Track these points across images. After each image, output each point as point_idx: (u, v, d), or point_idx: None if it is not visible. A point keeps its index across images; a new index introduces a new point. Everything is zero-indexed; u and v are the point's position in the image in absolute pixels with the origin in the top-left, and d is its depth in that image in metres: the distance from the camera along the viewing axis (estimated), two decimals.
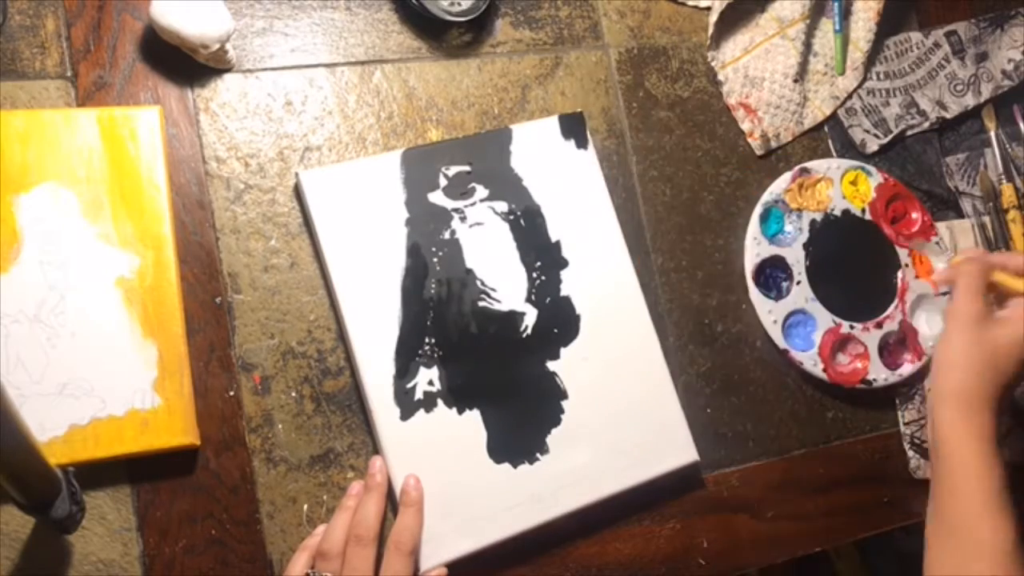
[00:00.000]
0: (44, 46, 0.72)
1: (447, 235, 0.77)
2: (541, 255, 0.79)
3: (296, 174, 0.75)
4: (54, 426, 0.64)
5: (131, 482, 0.67)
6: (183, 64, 0.75)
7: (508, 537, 0.73)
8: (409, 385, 0.73)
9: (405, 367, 0.73)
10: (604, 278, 0.81)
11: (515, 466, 0.74)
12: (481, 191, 0.79)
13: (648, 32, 0.92)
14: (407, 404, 0.72)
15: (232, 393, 0.71)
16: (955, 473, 0.67)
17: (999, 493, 0.66)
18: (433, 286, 0.75)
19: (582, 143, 0.83)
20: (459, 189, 0.78)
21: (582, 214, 0.82)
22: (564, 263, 0.80)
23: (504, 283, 0.78)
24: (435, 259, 0.76)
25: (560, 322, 0.79)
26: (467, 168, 0.79)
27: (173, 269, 0.69)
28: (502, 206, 0.79)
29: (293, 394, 0.73)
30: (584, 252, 0.81)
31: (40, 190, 0.67)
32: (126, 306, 0.67)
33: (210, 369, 0.71)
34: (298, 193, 0.75)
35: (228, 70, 0.77)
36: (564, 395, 0.77)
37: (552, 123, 0.83)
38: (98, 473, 0.66)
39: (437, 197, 0.77)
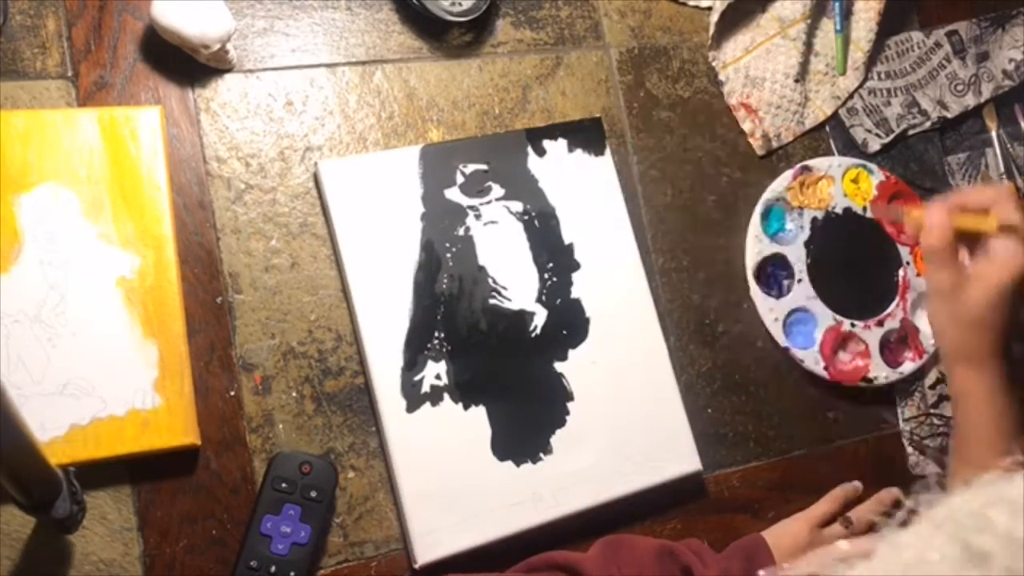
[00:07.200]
0: (45, 46, 0.72)
1: (461, 232, 0.77)
2: (553, 256, 0.79)
3: (315, 163, 0.75)
4: (55, 426, 0.64)
5: (132, 482, 0.67)
6: (184, 64, 0.75)
7: (508, 535, 0.73)
8: (416, 378, 0.73)
9: (413, 359, 0.73)
10: (615, 283, 0.81)
11: (518, 464, 0.74)
12: (497, 190, 0.79)
13: (649, 32, 0.91)
14: (413, 396, 0.73)
15: (233, 393, 0.71)
16: (969, 422, 0.70)
17: (1009, 436, 0.68)
18: (445, 281, 0.76)
19: (599, 148, 0.84)
20: (475, 187, 0.78)
21: (596, 218, 0.82)
22: (576, 266, 0.80)
23: (515, 282, 0.78)
24: (448, 255, 0.76)
25: (569, 324, 0.79)
26: (484, 167, 0.79)
27: (174, 269, 0.69)
28: (517, 206, 0.79)
29: (294, 394, 0.73)
30: (596, 256, 0.81)
31: (41, 190, 0.67)
32: (127, 306, 0.67)
33: (211, 369, 0.71)
34: (316, 182, 0.76)
35: (229, 70, 0.77)
36: (570, 397, 0.77)
37: (571, 127, 0.83)
38: (99, 473, 0.66)
39: (453, 194, 0.78)
